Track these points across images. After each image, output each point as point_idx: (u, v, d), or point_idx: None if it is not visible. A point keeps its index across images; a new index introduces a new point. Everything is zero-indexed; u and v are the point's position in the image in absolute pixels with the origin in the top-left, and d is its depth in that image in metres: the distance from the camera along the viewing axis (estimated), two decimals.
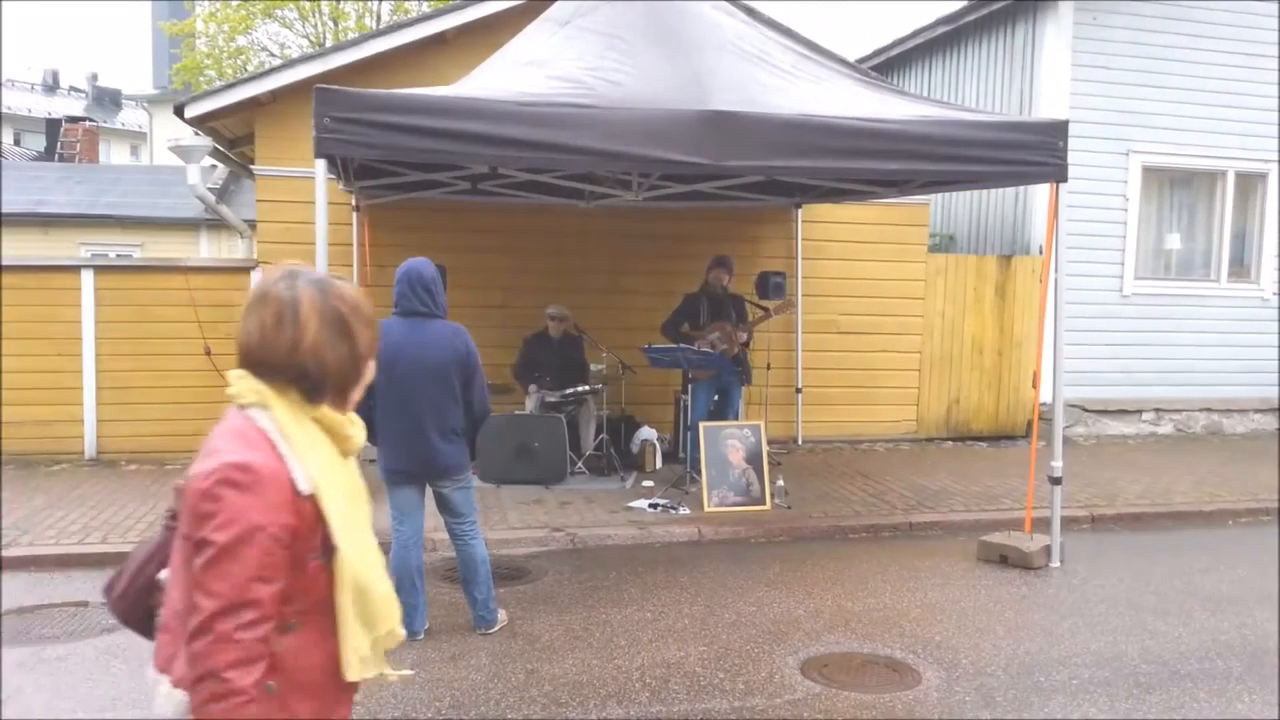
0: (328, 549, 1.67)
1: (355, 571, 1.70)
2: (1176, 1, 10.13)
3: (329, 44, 18.43)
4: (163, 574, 1.80)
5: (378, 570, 1.77)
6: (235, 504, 1.56)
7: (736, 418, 8.02)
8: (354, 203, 8.30)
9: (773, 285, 8.21)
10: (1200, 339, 10.58)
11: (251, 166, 9.08)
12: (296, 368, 1.67)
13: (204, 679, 1.53)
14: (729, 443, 7.19)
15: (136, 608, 1.84)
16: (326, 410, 1.72)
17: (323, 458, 1.69)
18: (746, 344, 8.08)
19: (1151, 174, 10.42)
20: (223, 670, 1.52)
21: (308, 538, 1.64)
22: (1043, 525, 6.21)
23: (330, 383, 1.71)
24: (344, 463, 1.77)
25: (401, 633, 1.82)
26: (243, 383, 1.69)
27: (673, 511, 6.95)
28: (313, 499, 1.65)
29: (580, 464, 8.02)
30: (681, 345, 7.55)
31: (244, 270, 8.64)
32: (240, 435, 1.63)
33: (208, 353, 8.38)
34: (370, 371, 1.80)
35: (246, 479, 1.57)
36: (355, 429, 1.79)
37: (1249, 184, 10.72)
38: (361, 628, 1.72)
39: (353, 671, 1.72)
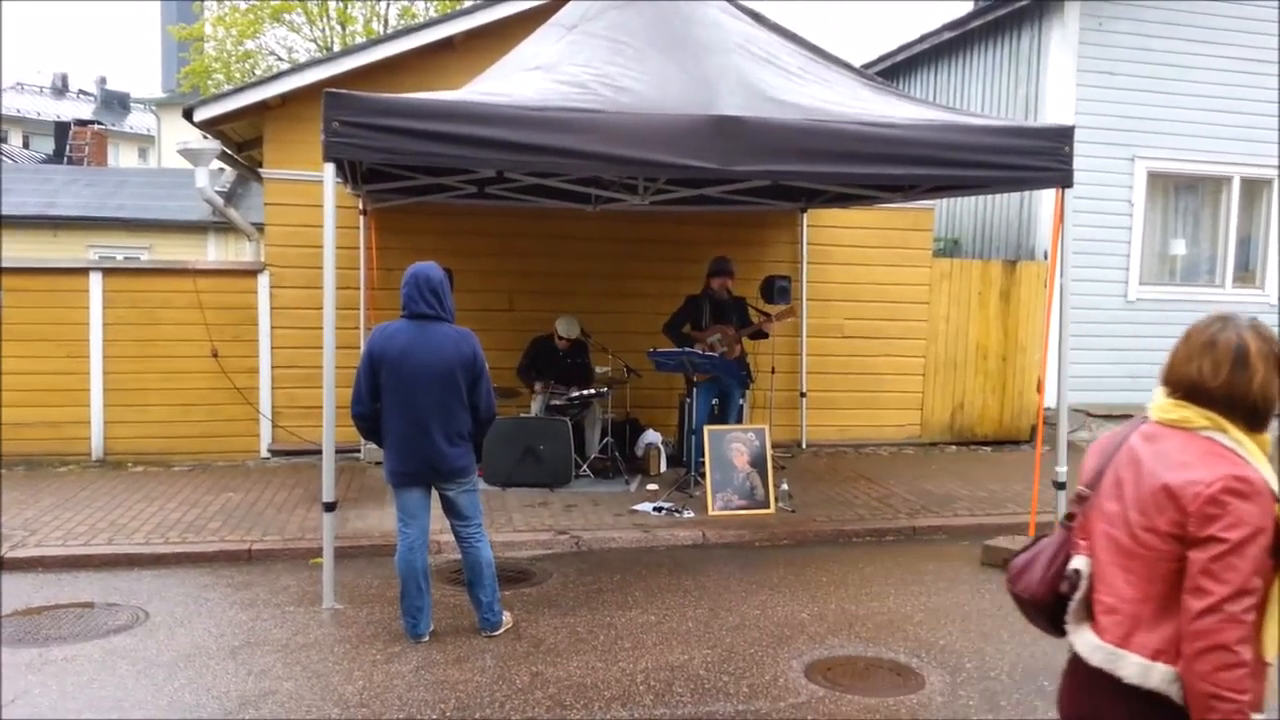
0: (1276, 549, 1.91)
1: None
2: (1182, 7, 10.14)
3: (336, 48, 18.52)
4: (1074, 564, 2.13)
5: None
6: (1240, 509, 1.86)
7: (738, 421, 8.04)
8: (361, 206, 8.33)
9: (778, 289, 8.22)
10: None
11: (260, 170, 9.12)
12: (1250, 403, 1.97)
13: (1213, 650, 1.83)
14: (734, 446, 7.20)
15: (1051, 593, 2.16)
16: (1263, 435, 1.99)
17: (1270, 473, 1.96)
18: (766, 335, 8.23)
19: (1157, 179, 10.42)
20: (1232, 644, 1.83)
21: (1274, 538, 1.90)
22: (1047, 530, 6.17)
23: (1270, 414, 1.99)
24: None
25: None
26: (1185, 410, 2.00)
27: (677, 515, 6.96)
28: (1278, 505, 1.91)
29: (585, 467, 8.04)
30: (687, 349, 7.56)
31: (251, 273, 8.67)
32: (1214, 454, 1.93)
33: (215, 355, 8.43)
34: None
35: (1247, 489, 1.87)
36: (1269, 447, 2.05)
37: (1255, 189, 10.71)
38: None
39: (1271, 653, 1.94)
